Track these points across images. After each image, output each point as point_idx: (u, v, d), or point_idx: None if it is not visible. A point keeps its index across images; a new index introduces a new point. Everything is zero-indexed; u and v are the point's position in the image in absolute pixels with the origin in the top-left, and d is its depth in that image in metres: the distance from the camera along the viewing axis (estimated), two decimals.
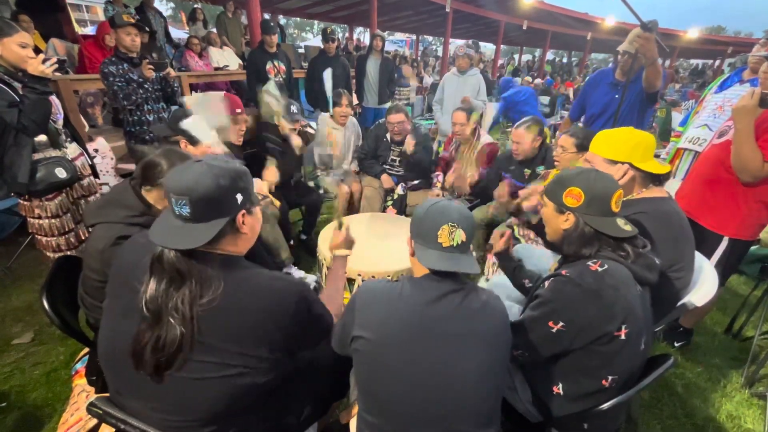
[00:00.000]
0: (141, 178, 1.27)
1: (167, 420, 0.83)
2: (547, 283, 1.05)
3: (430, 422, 0.83)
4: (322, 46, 4.05)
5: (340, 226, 1.47)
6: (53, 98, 1.87)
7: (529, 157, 2.34)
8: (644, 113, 2.45)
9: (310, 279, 2.47)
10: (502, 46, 13.70)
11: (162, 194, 1.26)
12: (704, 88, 2.75)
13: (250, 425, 0.93)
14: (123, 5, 4.58)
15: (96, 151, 2.95)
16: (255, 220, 0.94)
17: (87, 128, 3.37)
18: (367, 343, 0.86)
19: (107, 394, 0.90)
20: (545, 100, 8.01)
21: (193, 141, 1.71)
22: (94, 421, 1.29)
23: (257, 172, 2.20)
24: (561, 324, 0.97)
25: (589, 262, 0.99)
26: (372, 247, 1.96)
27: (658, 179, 1.38)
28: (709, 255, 1.70)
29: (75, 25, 5.82)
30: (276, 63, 3.67)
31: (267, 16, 7.71)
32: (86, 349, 1.54)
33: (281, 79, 3.74)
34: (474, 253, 1.00)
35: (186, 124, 1.68)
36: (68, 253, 2.04)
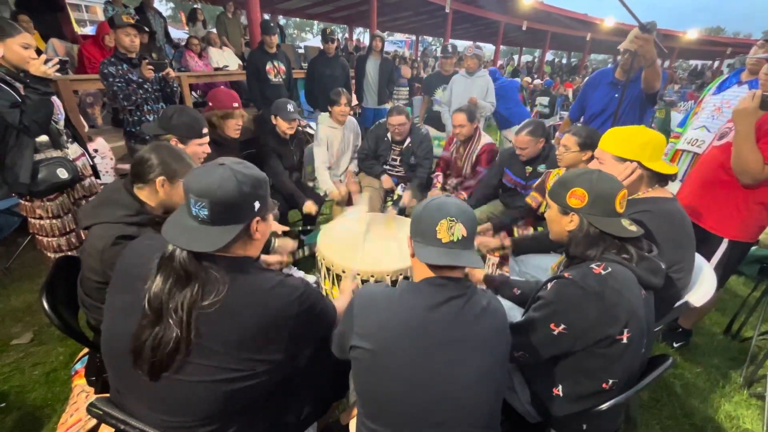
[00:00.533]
0: (132, 175, 1.26)
1: (166, 420, 0.83)
2: (549, 285, 1.04)
3: (429, 426, 0.83)
4: (322, 47, 4.05)
5: (355, 276, 1.48)
6: (55, 99, 1.87)
7: (532, 156, 2.35)
8: (644, 113, 2.46)
9: (310, 279, 2.48)
10: (501, 46, 13.72)
11: (153, 191, 1.27)
12: (703, 89, 2.76)
13: (251, 424, 0.93)
14: (122, 5, 4.57)
15: (96, 151, 2.95)
16: (267, 227, 0.94)
17: (86, 128, 3.37)
18: (365, 352, 0.85)
19: (107, 395, 0.90)
20: (544, 100, 8.00)
21: (183, 139, 1.71)
22: (94, 421, 1.29)
23: None
24: (562, 326, 0.96)
25: (593, 265, 0.99)
26: (371, 247, 1.95)
27: (664, 180, 1.38)
28: (709, 257, 1.70)
29: (74, 25, 5.81)
30: (276, 63, 3.67)
31: (267, 17, 7.71)
32: (86, 350, 1.53)
33: (281, 79, 3.74)
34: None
35: None
36: (69, 253, 2.04)
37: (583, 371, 1.01)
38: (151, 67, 2.39)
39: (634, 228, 1.03)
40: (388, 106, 4.42)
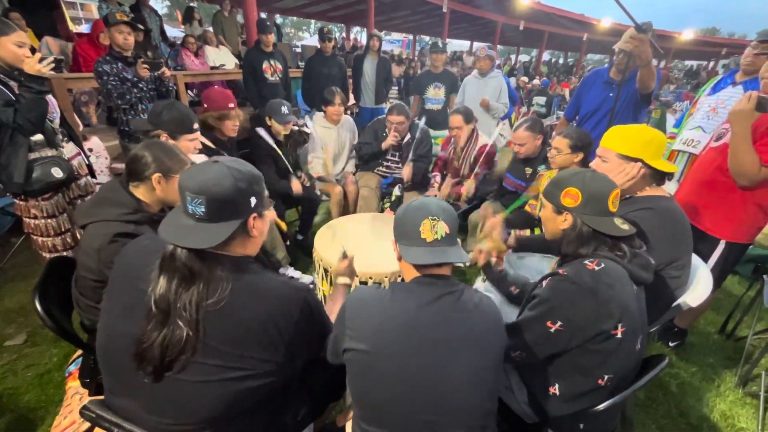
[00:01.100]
0: (127, 174, 1.26)
1: (161, 422, 0.82)
2: (545, 283, 1.05)
3: (425, 426, 0.83)
4: (319, 46, 4.04)
5: (344, 255, 1.46)
6: (50, 97, 1.85)
7: (531, 155, 2.35)
8: (638, 113, 2.47)
9: (306, 279, 2.47)
10: (498, 46, 13.74)
11: (150, 189, 1.27)
12: (699, 89, 2.77)
13: (247, 426, 0.92)
14: (117, 3, 4.54)
15: (90, 150, 2.93)
16: (264, 223, 0.94)
17: (81, 127, 3.34)
18: (359, 353, 0.85)
19: (101, 397, 0.89)
20: (541, 100, 8.03)
21: (173, 134, 1.69)
22: (88, 424, 1.27)
23: None
24: (559, 323, 0.97)
25: (587, 261, 1.00)
26: (368, 248, 1.95)
27: (662, 179, 1.39)
28: (705, 258, 1.70)
29: (69, 23, 5.76)
30: (272, 62, 3.66)
31: (263, 15, 7.68)
32: (80, 351, 1.52)
33: (278, 78, 3.73)
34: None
35: None
36: (64, 253, 2.02)
37: (579, 369, 1.01)
38: (146, 66, 2.37)
39: (626, 227, 1.04)
40: (385, 105, 4.41)
